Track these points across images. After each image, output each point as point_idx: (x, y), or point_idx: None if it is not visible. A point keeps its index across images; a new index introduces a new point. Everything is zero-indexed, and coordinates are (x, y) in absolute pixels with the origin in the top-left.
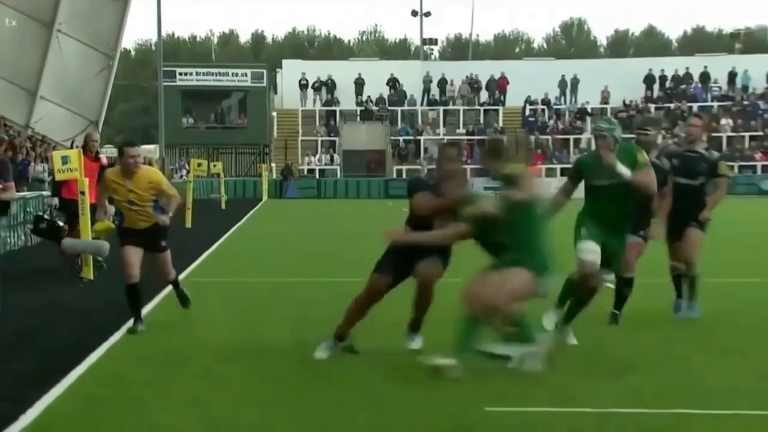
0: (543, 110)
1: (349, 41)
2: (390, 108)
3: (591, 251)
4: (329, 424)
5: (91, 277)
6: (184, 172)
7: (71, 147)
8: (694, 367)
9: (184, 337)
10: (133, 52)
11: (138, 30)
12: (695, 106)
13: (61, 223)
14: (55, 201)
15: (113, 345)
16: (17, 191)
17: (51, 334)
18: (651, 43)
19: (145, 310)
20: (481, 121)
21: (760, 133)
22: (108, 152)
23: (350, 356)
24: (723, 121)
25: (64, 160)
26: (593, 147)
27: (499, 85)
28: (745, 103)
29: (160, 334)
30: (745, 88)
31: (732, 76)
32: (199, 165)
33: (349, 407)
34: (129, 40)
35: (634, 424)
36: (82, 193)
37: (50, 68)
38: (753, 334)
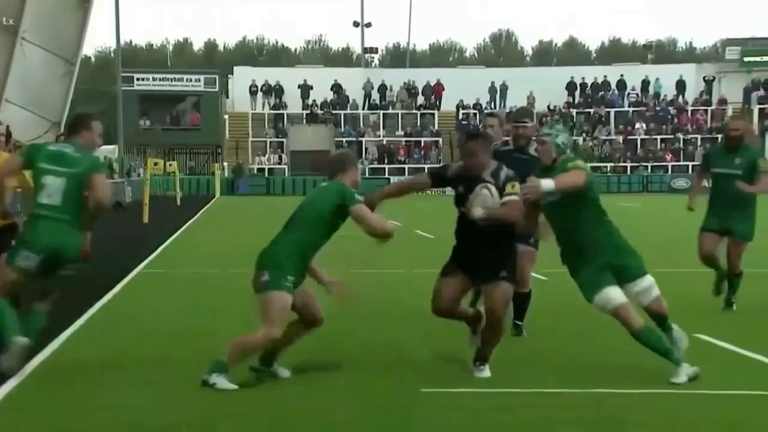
0: (475, 114)
1: (295, 49)
2: (334, 112)
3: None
4: (275, 403)
5: None
6: (140, 171)
7: None
8: (614, 351)
9: (140, 324)
10: (93, 59)
11: (98, 38)
12: (612, 111)
13: None
14: None
15: (75, 331)
16: None
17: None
18: (572, 53)
19: (105, 299)
20: (418, 124)
21: (671, 137)
22: None
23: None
24: (637, 125)
25: None
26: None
27: (434, 91)
28: (657, 108)
29: (118, 320)
30: (657, 95)
31: (645, 84)
32: (156, 164)
33: (294, 389)
34: (89, 47)
35: (557, 403)
36: None
37: (15, 73)
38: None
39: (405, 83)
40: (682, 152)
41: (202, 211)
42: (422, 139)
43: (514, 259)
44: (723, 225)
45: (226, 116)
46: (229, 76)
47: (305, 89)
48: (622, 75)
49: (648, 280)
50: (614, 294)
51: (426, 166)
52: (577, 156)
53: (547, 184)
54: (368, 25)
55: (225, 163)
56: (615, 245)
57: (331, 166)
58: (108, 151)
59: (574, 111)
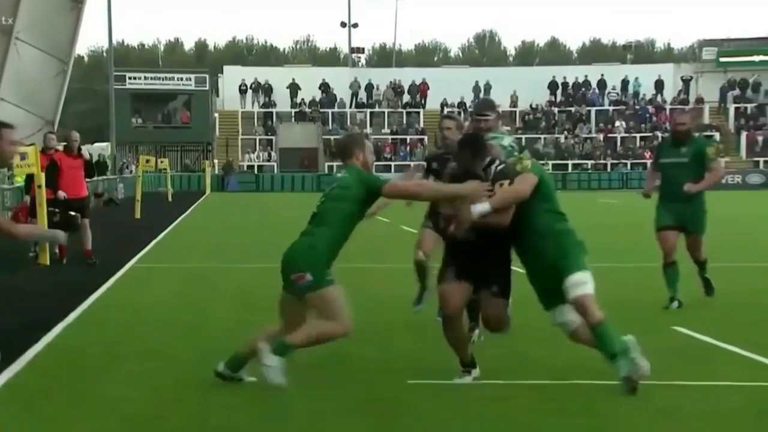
0: (459, 112)
1: (284, 49)
2: (322, 110)
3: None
4: (263, 394)
5: (48, 263)
6: (132, 168)
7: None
8: None
9: (133, 317)
10: (86, 58)
11: (91, 37)
12: (593, 110)
13: (72, 213)
14: (62, 194)
15: (69, 324)
16: None
17: (11, 315)
18: (554, 53)
19: (99, 292)
20: (404, 122)
21: (649, 135)
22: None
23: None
24: (617, 124)
25: (22, 156)
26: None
27: (420, 90)
28: (637, 107)
29: (112, 313)
30: (636, 94)
31: (625, 83)
32: (147, 161)
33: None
34: (82, 47)
35: (542, 394)
36: (39, 186)
37: (9, 73)
38: (647, 313)
39: (391, 82)
40: None
41: (193, 207)
42: (408, 137)
43: (508, 270)
44: (677, 221)
45: (217, 114)
46: (219, 75)
47: (294, 88)
48: (602, 74)
49: (577, 277)
50: (571, 316)
51: (411, 163)
52: (523, 156)
53: (479, 209)
54: (355, 25)
55: (215, 160)
56: (560, 247)
57: (338, 152)
58: (100, 148)
59: (555, 109)
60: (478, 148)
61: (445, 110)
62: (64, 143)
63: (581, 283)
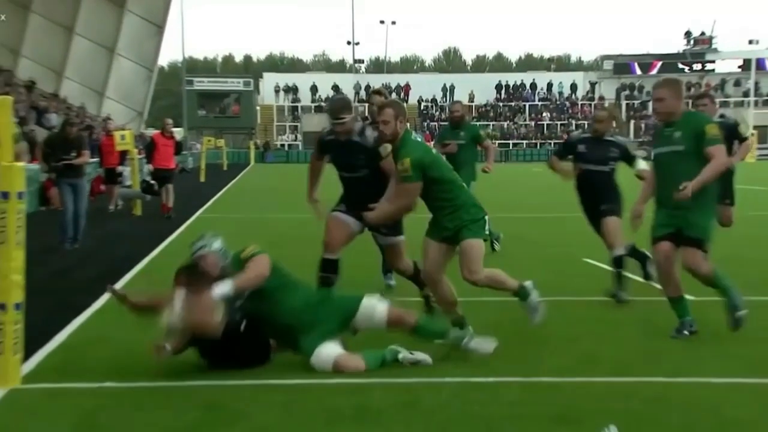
0: (432, 106)
1: (306, 60)
2: None
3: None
4: None
5: (139, 213)
6: (198, 146)
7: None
8: (523, 269)
9: None
10: (166, 68)
11: (169, 53)
12: (527, 104)
13: (152, 182)
14: (149, 167)
15: (154, 258)
16: (89, 158)
17: (111, 252)
18: (500, 63)
19: (174, 235)
20: None
21: (566, 122)
22: (150, 132)
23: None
24: (544, 114)
25: (122, 137)
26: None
27: (404, 90)
28: (558, 103)
29: (184, 251)
30: (560, 93)
31: (549, 85)
32: (209, 141)
33: None
34: (163, 60)
35: (465, 309)
36: (132, 159)
37: (113, 78)
38: (564, 249)
39: (383, 84)
40: None
41: (241, 174)
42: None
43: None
44: None
45: (258, 107)
46: (260, 79)
47: (313, 88)
48: (534, 79)
49: (363, 310)
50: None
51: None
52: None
53: (222, 289)
54: (357, 43)
55: (257, 140)
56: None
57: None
58: (176, 132)
59: (501, 104)
60: (203, 276)
61: (422, 105)
62: (162, 127)
63: (371, 312)
